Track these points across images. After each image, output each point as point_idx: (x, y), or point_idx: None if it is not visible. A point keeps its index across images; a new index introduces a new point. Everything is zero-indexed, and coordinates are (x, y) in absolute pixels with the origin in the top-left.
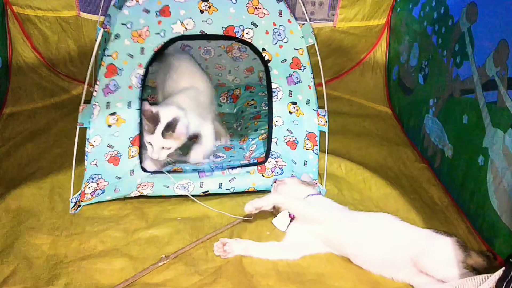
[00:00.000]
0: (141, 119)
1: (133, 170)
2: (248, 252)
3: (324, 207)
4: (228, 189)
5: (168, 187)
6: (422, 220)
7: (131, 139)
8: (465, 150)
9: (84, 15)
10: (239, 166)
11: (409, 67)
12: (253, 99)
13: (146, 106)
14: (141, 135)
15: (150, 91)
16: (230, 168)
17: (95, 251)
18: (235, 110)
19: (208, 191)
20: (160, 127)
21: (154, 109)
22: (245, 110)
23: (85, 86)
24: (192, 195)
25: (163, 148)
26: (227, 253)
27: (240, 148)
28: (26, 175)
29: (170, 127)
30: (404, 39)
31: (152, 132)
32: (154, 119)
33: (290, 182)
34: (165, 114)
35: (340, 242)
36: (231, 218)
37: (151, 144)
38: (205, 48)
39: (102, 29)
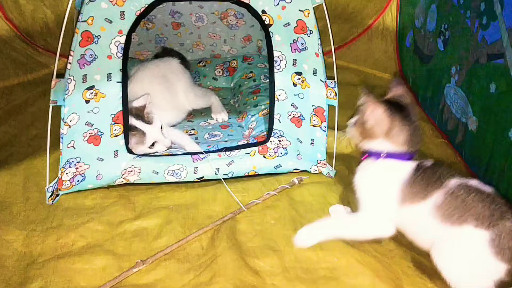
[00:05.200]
0: (124, 95)
1: (117, 151)
2: None
3: None
4: (226, 174)
5: (157, 173)
6: None
7: (113, 115)
8: (493, 123)
9: None
10: (237, 148)
11: (427, 32)
12: (251, 71)
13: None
14: (125, 113)
15: (137, 64)
16: (228, 149)
17: (74, 248)
18: (232, 84)
19: (203, 177)
20: (146, 145)
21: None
22: (243, 83)
23: (57, 57)
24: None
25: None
26: None
27: (239, 126)
28: None
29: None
30: (419, 1)
31: (142, 143)
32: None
33: None
34: (150, 134)
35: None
36: (231, 204)
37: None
38: (197, 15)
39: None
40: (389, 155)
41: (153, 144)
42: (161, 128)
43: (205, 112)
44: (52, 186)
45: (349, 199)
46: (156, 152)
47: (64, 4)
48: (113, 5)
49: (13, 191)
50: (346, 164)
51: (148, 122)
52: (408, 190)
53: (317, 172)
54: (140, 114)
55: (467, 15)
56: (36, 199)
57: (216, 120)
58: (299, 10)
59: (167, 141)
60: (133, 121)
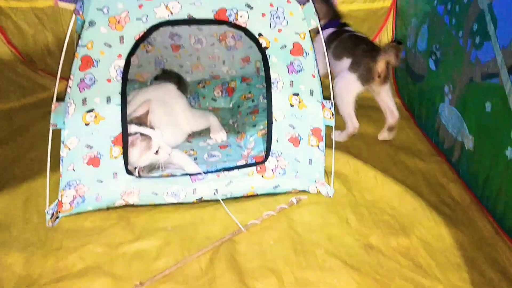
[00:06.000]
0: (123, 117)
1: (116, 173)
2: None
3: None
4: (225, 195)
5: (157, 194)
6: (443, 220)
7: (113, 138)
8: (489, 141)
9: (62, 4)
10: (235, 168)
11: (417, 52)
12: (250, 92)
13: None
14: (124, 134)
15: (137, 85)
16: (226, 170)
17: (73, 270)
18: (231, 105)
19: (202, 198)
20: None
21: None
22: (241, 104)
23: (57, 80)
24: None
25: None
26: None
27: (237, 146)
28: None
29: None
30: (410, 22)
31: (148, 149)
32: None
33: None
34: (156, 138)
35: None
36: (229, 225)
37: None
38: (196, 37)
39: (74, 16)
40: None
41: (157, 151)
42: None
43: (204, 132)
44: (52, 208)
45: (348, 219)
46: (158, 170)
47: (65, 28)
48: (113, 30)
49: (13, 213)
50: (344, 184)
51: (152, 128)
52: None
53: (315, 191)
54: (142, 122)
55: (460, 35)
56: (36, 221)
57: (215, 140)
58: (295, 32)
59: (169, 148)
60: (136, 128)
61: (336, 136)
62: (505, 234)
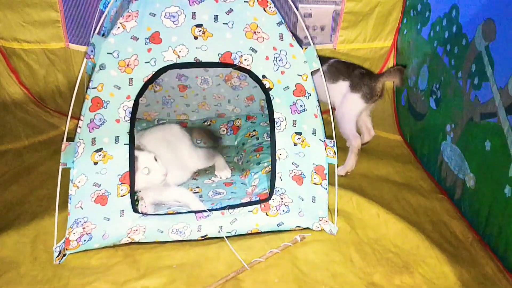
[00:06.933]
0: (131, 156)
1: (123, 210)
2: None
3: None
4: (229, 232)
5: (162, 231)
6: (446, 258)
7: (120, 176)
8: (490, 180)
9: (73, 46)
10: (240, 205)
11: (418, 91)
12: (254, 130)
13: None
14: (131, 172)
15: (144, 124)
16: (231, 207)
17: None
18: (235, 143)
19: (207, 235)
20: (139, 170)
21: None
22: (246, 142)
23: (68, 122)
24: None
25: None
26: None
27: (242, 183)
28: (8, 221)
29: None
30: (411, 62)
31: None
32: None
33: None
34: (141, 158)
35: None
36: (234, 262)
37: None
38: (202, 78)
39: (86, 60)
40: None
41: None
42: (155, 159)
43: (209, 169)
44: (59, 245)
45: (351, 257)
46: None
47: (75, 69)
48: (122, 72)
49: (22, 251)
50: (347, 221)
51: (141, 149)
52: None
53: (319, 229)
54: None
55: (459, 75)
56: (44, 259)
57: (220, 178)
58: (298, 74)
59: (163, 170)
60: None
61: (344, 168)
62: (507, 271)
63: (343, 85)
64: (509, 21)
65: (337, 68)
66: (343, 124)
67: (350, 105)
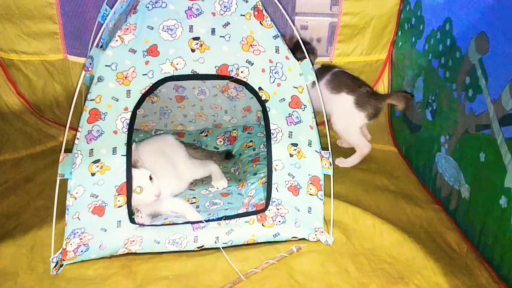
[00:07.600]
0: (128, 167)
1: (120, 221)
2: None
3: None
4: (226, 243)
5: (159, 242)
6: (441, 269)
7: (117, 187)
8: (484, 191)
9: (72, 58)
10: (236, 216)
11: (414, 103)
12: (251, 141)
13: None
14: (128, 183)
15: (142, 135)
16: (227, 218)
17: None
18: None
19: (203, 246)
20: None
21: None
22: (243, 152)
23: (66, 133)
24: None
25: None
26: None
27: (238, 194)
28: (5, 231)
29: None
30: (407, 74)
31: None
32: None
33: None
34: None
35: None
36: (230, 273)
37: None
38: (199, 89)
39: (84, 72)
40: None
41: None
42: (151, 179)
43: (206, 180)
44: (56, 256)
45: (347, 268)
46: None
47: (74, 80)
48: (120, 84)
49: (18, 261)
50: (343, 232)
51: (136, 167)
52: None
53: (315, 240)
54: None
55: (453, 87)
56: (41, 270)
57: (217, 188)
58: (294, 87)
59: (155, 190)
60: None
61: (343, 162)
62: (502, 282)
63: (346, 99)
64: (501, 34)
65: (342, 80)
66: (349, 136)
67: (354, 120)
